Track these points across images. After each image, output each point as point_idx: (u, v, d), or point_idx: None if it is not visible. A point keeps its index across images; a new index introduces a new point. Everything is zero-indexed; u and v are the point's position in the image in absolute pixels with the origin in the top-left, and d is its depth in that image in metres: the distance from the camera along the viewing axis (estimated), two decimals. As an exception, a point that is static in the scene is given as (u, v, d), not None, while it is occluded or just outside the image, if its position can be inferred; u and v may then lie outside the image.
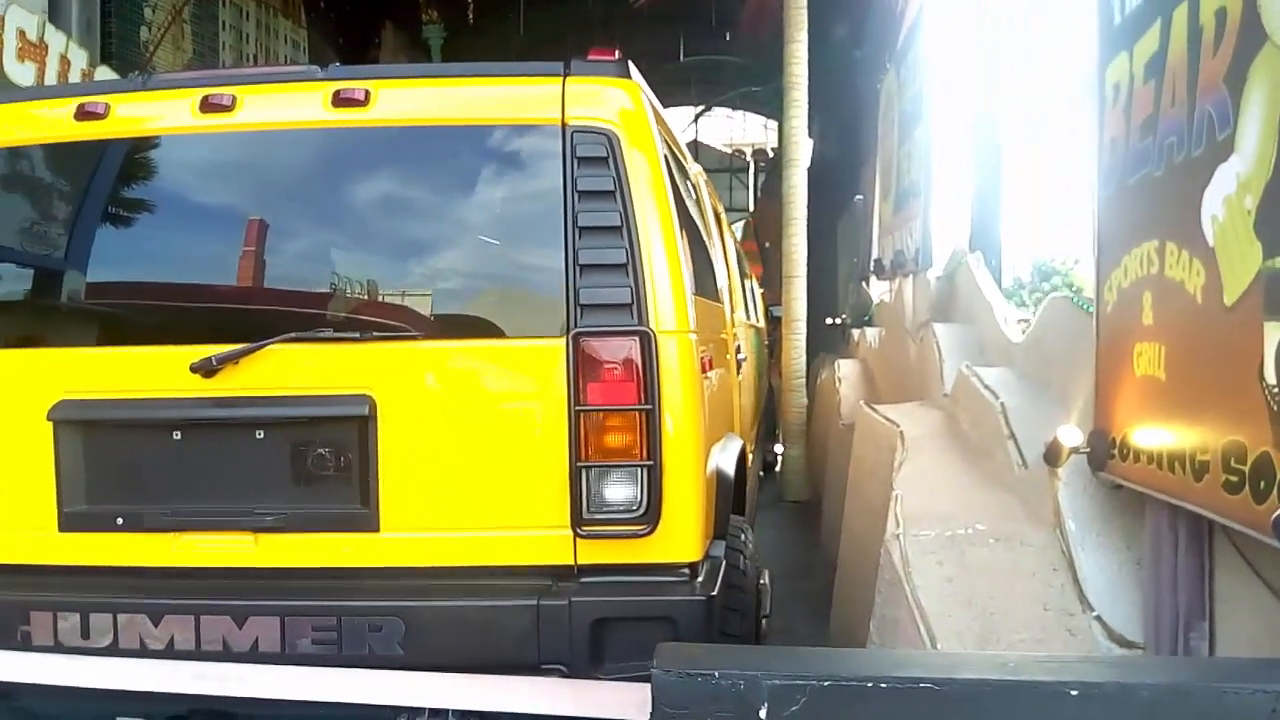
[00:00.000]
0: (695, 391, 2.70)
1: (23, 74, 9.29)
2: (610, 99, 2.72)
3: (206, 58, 14.72)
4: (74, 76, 10.03)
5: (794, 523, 7.92)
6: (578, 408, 2.58)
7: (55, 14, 10.87)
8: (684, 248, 2.82)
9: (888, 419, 5.09)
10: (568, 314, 2.61)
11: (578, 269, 2.61)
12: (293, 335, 2.67)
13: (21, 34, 9.38)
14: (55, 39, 9.93)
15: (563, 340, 2.60)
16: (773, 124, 15.54)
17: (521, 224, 2.74)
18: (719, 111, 24.40)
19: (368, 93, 2.71)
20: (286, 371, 2.68)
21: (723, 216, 5.82)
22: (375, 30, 21.01)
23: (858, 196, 12.32)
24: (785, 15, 9.71)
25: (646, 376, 2.57)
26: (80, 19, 11.95)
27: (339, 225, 2.82)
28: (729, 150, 28.39)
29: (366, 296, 2.78)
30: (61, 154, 2.87)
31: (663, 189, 2.71)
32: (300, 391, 2.69)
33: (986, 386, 4.35)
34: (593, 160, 2.63)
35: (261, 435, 2.71)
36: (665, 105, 3.26)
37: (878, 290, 10.89)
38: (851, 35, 12.42)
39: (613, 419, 2.60)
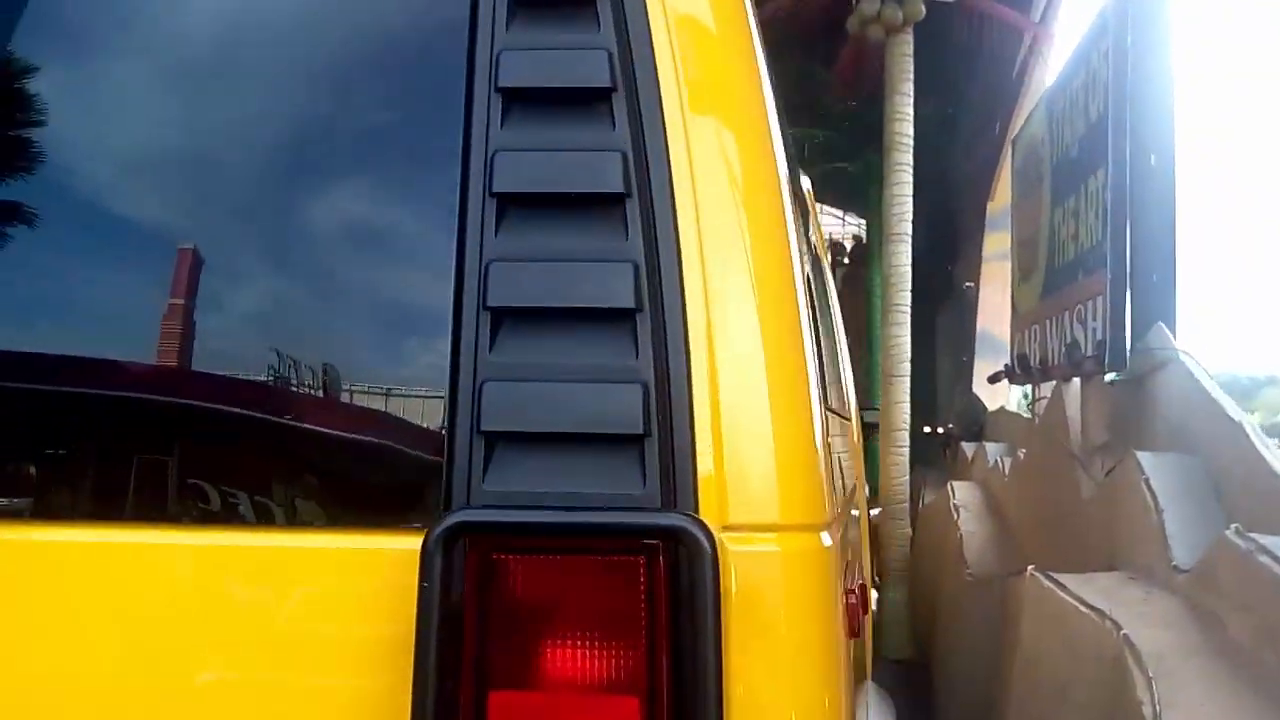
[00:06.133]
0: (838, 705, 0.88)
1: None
2: None
3: None
4: None
5: (896, 692, 5.85)
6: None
7: None
8: (803, 281, 1.05)
9: (1090, 606, 3.18)
10: (448, 467, 0.85)
11: (486, 316, 0.86)
12: None
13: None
14: None
15: (419, 540, 0.84)
16: (851, 221, 13.60)
17: (322, 196, 1.02)
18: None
19: None
20: None
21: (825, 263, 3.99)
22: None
23: (967, 284, 10.53)
24: (887, 65, 8.12)
25: (679, 672, 0.77)
26: None
27: None
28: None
29: None
30: None
31: (762, 109, 0.96)
32: None
33: (1311, 579, 2.45)
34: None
35: None
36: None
37: (998, 395, 9.23)
38: (947, 99, 10.44)
39: None
